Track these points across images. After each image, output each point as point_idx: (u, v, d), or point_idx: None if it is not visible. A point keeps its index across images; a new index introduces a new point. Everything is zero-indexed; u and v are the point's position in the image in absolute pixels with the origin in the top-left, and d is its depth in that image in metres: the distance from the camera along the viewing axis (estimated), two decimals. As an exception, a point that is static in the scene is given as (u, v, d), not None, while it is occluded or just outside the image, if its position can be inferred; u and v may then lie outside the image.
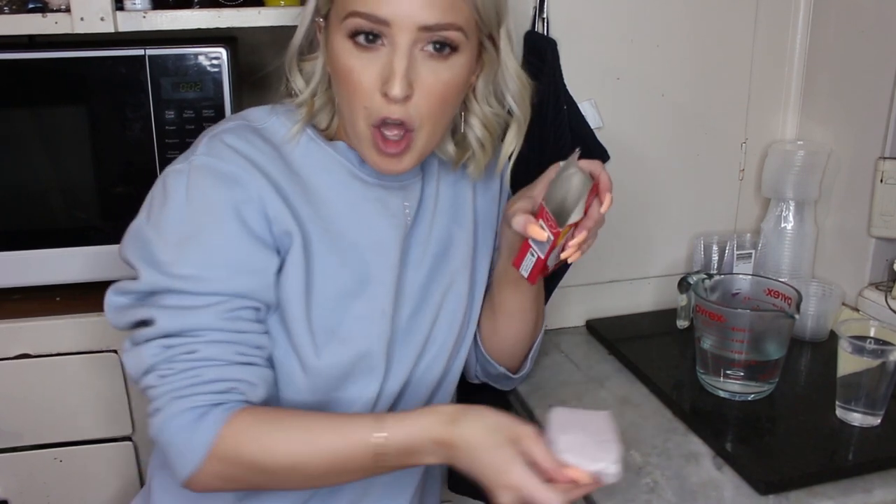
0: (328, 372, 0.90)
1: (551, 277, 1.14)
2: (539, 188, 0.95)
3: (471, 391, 1.19)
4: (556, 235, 0.88)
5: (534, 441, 0.79)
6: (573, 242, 0.90)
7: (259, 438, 0.80)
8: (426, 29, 0.82)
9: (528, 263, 0.92)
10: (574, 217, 0.89)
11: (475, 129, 0.96)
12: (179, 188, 0.85)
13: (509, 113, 0.97)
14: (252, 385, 0.84)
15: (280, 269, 0.88)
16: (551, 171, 0.95)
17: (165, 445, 0.81)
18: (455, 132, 0.97)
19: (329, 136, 0.95)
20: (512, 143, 0.97)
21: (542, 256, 0.90)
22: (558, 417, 0.86)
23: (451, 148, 0.98)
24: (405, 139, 0.86)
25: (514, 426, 0.80)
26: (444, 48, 0.84)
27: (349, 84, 0.85)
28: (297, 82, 0.92)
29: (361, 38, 0.83)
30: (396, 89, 0.82)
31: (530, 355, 1.12)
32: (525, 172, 1.01)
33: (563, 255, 0.91)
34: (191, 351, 0.82)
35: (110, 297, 0.88)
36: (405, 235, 0.96)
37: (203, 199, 0.84)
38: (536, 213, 0.91)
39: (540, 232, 0.88)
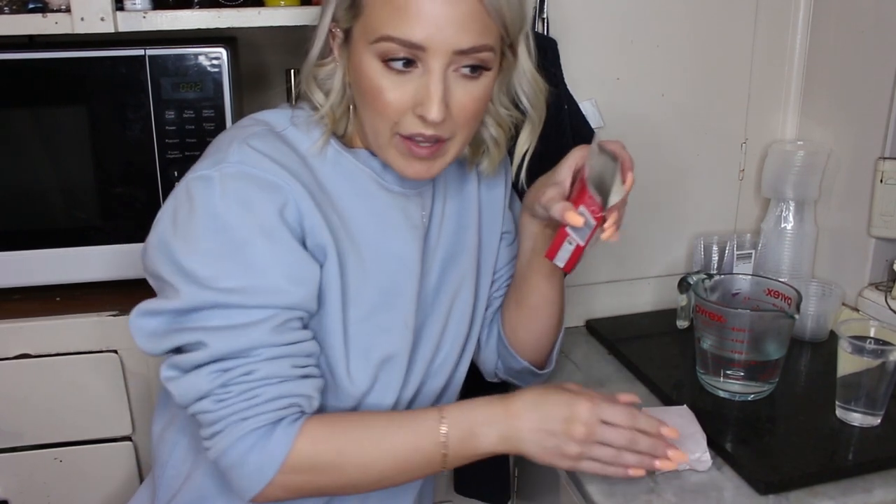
0: (354, 392, 0.90)
1: None
2: (563, 173, 0.93)
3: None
4: (599, 220, 0.87)
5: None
6: (611, 223, 0.88)
7: (335, 444, 0.82)
8: (461, 53, 0.81)
9: (566, 252, 0.90)
10: (615, 198, 0.88)
11: (490, 129, 0.97)
12: (211, 196, 0.81)
13: (519, 110, 0.97)
14: (309, 398, 0.84)
15: (321, 280, 0.87)
16: (574, 155, 0.94)
17: (231, 467, 0.81)
18: None
19: (348, 142, 0.93)
20: (526, 143, 0.97)
21: (583, 243, 0.89)
22: None
23: (466, 148, 0.98)
24: (437, 145, 0.86)
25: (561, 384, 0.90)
26: (477, 70, 0.84)
27: (378, 103, 0.84)
28: (317, 95, 0.90)
29: (394, 63, 0.81)
30: (434, 113, 0.81)
31: (555, 351, 1.12)
32: (527, 171, 1.01)
33: (603, 237, 0.89)
34: (248, 372, 0.80)
35: (139, 322, 0.83)
36: (423, 246, 0.96)
37: (244, 207, 0.81)
38: (574, 199, 0.89)
39: (580, 219, 0.87)
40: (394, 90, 0.82)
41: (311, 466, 0.81)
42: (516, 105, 0.96)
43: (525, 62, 0.92)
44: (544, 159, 0.98)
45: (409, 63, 0.81)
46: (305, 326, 0.86)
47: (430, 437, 0.83)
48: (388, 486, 0.87)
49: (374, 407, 0.92)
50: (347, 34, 0.86)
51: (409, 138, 0.84)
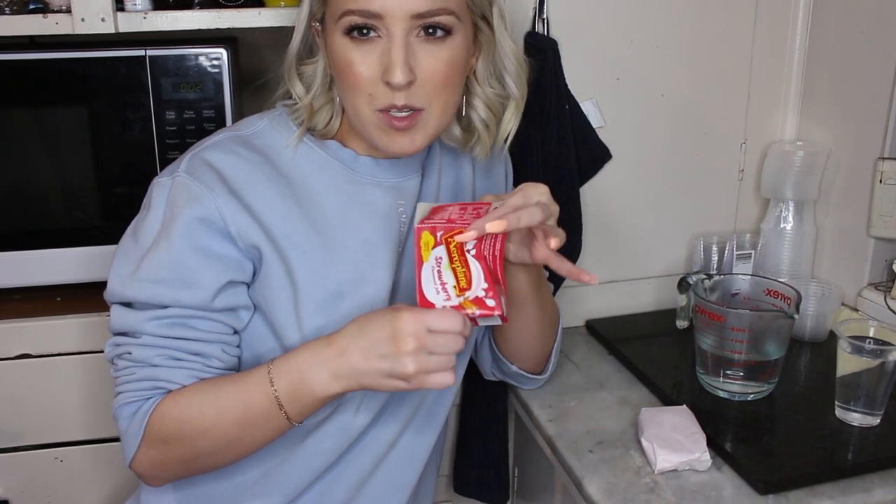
0: None
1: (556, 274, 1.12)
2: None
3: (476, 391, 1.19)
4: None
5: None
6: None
7: (178, 414, 0.85)
8: (418, 16, 0.84)
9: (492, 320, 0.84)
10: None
11: (479, 111, 0.97)
12: (161, 203, 0.88)
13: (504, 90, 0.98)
14: (181, 386, 0.87)
15: (260, 279, 0.90)
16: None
17: (119, 430, 0.89)
18: (460, 116, 0.98)
19: (324, 136, 0.95)
20: (510, 122, 0.98)
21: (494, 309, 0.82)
22: (648, 418, 1.04)
23: (457, 132, 0.99)
24: (413, 115, 0.87)
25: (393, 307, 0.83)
26: (437, 31, 0.86)
27: (350, 76, 0.86)
28: (297, 88, 0.93)
29: (356, 33, 0.85)
30: (398, 76, 0.83)
31: (552, 358, 1.12)
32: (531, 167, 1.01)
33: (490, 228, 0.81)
34: (129, 352, 0.88)
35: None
36: (400, 235, 0.96)
37: (170, 215, 0.87)
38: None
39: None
40: (361, 62, 0.85)
41: (161, 439, 0.86)
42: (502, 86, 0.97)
43: (503, 38, 0.94)
44: (547, 158, 0.99)
45: (370, 31, 0.84)
46: (204, 328, 0.89)
47: (260, 391, 0.83)
48: (243, 449, 0.88)
49: (347, 397, 0.93)
50: (323, 24, 0.90)
51: (386, 112, 0.86)
